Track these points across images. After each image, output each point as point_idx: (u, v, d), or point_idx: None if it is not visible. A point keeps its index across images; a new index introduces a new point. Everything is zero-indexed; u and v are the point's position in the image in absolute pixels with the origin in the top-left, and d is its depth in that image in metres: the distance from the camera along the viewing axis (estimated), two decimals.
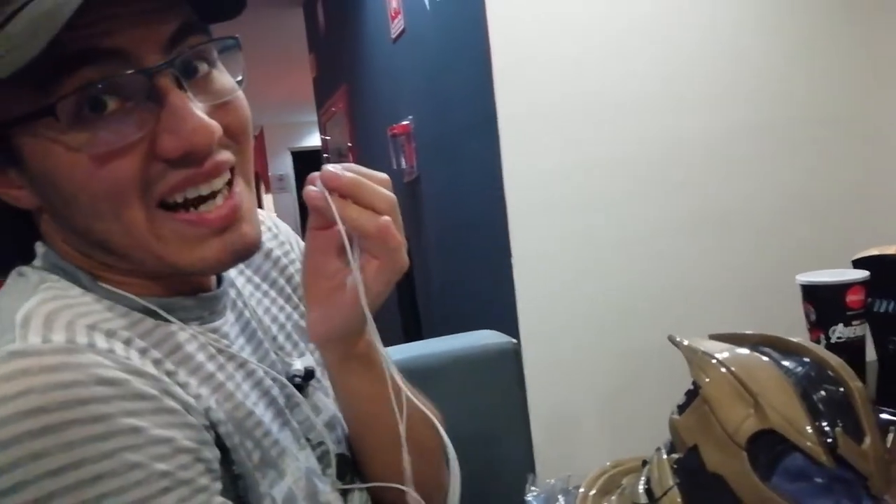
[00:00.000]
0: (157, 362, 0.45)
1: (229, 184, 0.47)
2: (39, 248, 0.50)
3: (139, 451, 0.39)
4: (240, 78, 0.49)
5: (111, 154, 0.43)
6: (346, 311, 0.50)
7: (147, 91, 0.43)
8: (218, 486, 0.44)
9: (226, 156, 0.47)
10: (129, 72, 0.42)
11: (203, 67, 0.47)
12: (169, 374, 0.45)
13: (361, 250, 0.48)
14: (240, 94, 0.49)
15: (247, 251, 0.49)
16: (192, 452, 0.42)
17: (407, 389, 0.49)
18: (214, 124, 0.44)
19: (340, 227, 0.46)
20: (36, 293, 0.45)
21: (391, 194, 0.49)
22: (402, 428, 0.49)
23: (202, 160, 0.45)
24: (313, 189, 0.47)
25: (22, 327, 0.41)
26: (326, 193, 0.46)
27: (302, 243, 0.69)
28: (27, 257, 0.50)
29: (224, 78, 0.48)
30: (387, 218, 0.47)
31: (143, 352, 0.45)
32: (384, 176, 0.50)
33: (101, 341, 0.42)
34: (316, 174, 0.48)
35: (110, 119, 0.43)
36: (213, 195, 0.46)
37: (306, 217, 0.51)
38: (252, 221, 0.49)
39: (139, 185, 0.44)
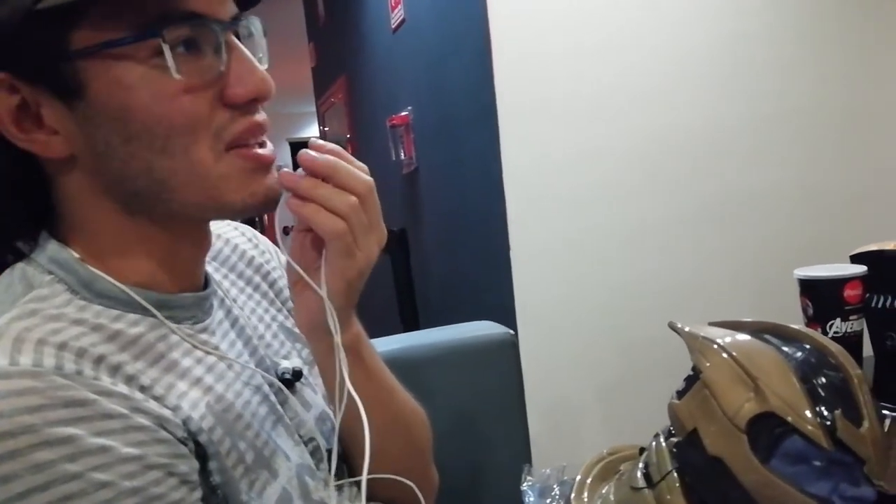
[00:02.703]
0: (129, 378, 0.45)
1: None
2: (42, 236, 0.50)
3: (108, 470, 0.40)
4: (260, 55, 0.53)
5: (190, 89, 0.46)
6: (321, 302, 0.51)
7: (217, 44, 0.47)
8: (196, 495, 0.45)
9: (265, 117, 0.51)
10: (213, 23, 0.46)
11: (245, 34, 0.51)
12: (143, 388, 0.45)
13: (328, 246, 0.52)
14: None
15: (277, 196, 0.51)
16: (164, 468, 0.43)
17: (351, 386, 0.51)
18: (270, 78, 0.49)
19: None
20: (13, 308, 0.45)
21: (368, 178, 0.52)
22: (337, 420, 0.52)
23: (256, 109, 0.49)
24: (286, 172, 0.51)
25: None
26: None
27: (283, 255, 0.71)
28: (35, 226, 0.50)
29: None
30: (354, 199, 0.50)
31: (114, 369, 0.45)
32: (361, 165, 0.53)
33: (69, 363, 0.42)
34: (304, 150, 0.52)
35: (189, 61, 0.46)
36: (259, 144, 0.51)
37: None
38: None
39: (210, 127, 0.47)
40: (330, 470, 0.58)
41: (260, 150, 0.50)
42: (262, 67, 0.50)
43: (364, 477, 0.48)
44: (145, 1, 0.44)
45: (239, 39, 0.49)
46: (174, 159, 0.47)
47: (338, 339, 0.51)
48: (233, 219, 0.54)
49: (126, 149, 0.46)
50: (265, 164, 0.50)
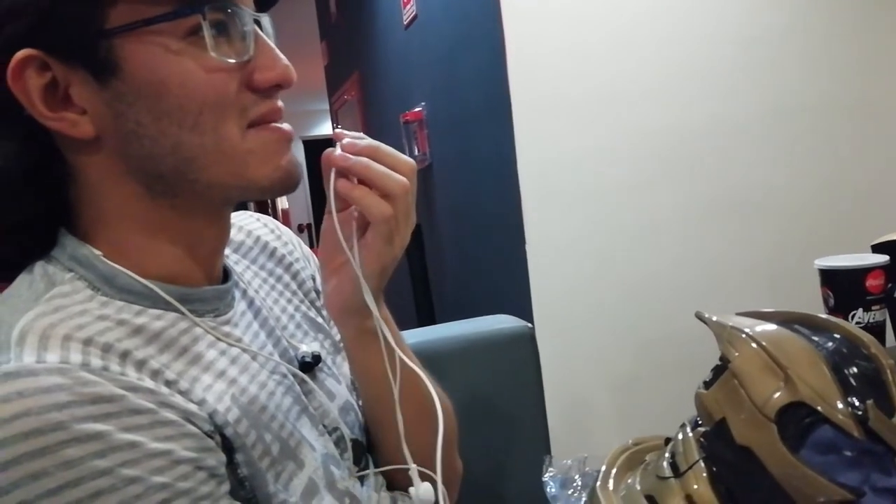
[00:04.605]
0: (155, 373, 0.45)
1: None
2: (61, 233, 0.50)
3: (137, 466, 0.40)
4: None
5: (221, 69, 0.47)
6: (356, 281, 0.53)
7: (244, 32, 0.48)
8: (225, 488, 0.45)
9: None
10: (245, 11, 0.48)
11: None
12: (169, 383, 0.46)
13: (361, 226, 0.54)
14: None
15: (298, 172, 0.53)
16: (192, 462, 0.43)
17: (402, 353, 0.52)
18: None
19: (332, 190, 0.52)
20: (37, 305, 0.45)
21: (409, 158, 0.54)
22: (395, 390, 0.53)
23: (277, 95, 0.51)
24: (334, 151, 0.52)
25: (17, 345, 0.42)
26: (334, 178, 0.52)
27: (306, 247, 0.72)
28: (54, 222, 0.51)
29: None
30: (405, 180, 0.52)
31: (140, 364, 0.45)
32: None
33: (95, 359, 0.43)
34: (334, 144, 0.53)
35: (220, 43, 0.47)
36: None
37: (318, 205, 0.55)
38: None
39: (237, 106, 0.49)
40: (359, 461, 0.58)
41: (281, 125, 0.52)
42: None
43: (438, 462, 0.48)
44: None
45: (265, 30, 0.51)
46: (204, 136, 0.47)
47: (377, 313, 0.52)
48: (256, 199, 0.55)
49: (156, 126, 0.47)
50: (288, 137, 0.52)
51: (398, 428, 0.52)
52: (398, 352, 0.52)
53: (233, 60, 0.47)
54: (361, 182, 0.52)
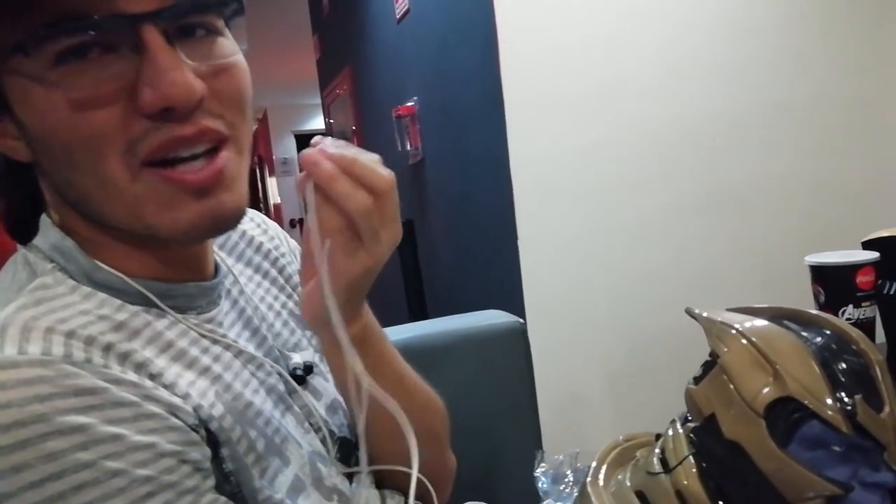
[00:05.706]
0: (139, 366, 0.45)
1: (215, 150, 0.45)
2: (43, 222, 0.49)
3: (120, 459, 0.40)
4: (244, 46, 0.49)
5: (88, 101, 0.41)
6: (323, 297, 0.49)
7: (132, 42, 0.42)
8: (209, 483, 0.45)
9: (215, 124, 0.45)
10: (113, 15, 0.41)
11: (201, 32, 0.45)
12: (153, 376, 0.45)
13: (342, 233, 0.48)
14: (238, 60, 0.47)
15: (224, 221, 0.47)
16: (176, 455, 0.42)
17: (369, 379, 0.47)
18: (197, 82, 0.42)
19: (312, 216, 0.46)
20: (19, 296, 0.44)
21: (389, 173, 0.48)
22: (361, 419, 0.49)
23: (184, 118, 0.43)
24: (310, 151, 0.47)
25: None
26: (310, 185, 0.46)
27: (292, 241, 0.70)
28: (39, 213, 0.50)
29: (227, 45, 0.47)
30: (370, 201, 0.46)
31: (123, 357, 0.44)
32: (374, 155, 0.49)
33: (78, 352, 0.42)
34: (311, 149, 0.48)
35: (92, 65, 0.42)
36: (194, 157, 0.44)
37: None
38: (234, 191, 0.46)
39: (121, 141, 0.42)
40: (347, 459, 0.58)
41: (185, 172, 0.44)
42: (191, 67, 0.42)
43: (413, 478, 0.46)
44: (32, 4, 0.40)
45: (171, 34, 0.43)
46: (85, 175, 0.44)
47: (342, 337, 0.47)
48: (172, 241, 0.48)
49: (47, 161, 0.46)
50: (193, 188, 0.44)
51: (378, 453, 0.51)
52: (365, 383, 0.47)
53: (102, 88, 0.41)
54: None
